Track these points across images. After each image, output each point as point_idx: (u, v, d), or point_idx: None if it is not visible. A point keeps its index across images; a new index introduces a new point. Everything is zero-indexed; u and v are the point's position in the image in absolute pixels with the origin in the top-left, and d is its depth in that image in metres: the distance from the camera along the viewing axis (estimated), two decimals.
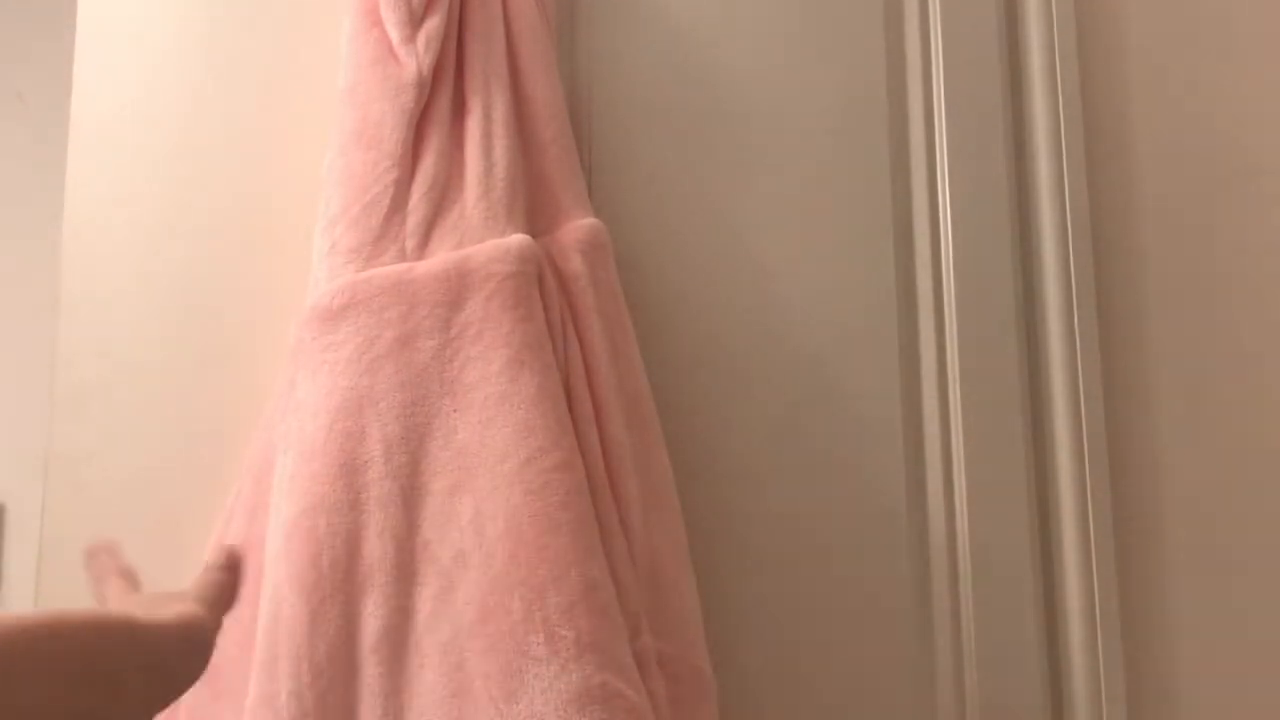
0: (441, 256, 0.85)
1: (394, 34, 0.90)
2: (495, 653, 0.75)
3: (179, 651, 0.49)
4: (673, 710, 0.83)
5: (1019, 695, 0.98)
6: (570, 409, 0.85)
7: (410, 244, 0.86)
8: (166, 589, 0.56)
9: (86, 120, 0.99)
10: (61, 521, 0.92)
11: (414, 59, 0.89)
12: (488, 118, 0.91)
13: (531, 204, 0.92)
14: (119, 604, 0.55)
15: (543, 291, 0.86)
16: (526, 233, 0.88)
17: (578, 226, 0.92)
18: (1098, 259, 1.08)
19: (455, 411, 0.81)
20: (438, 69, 0.91)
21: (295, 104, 1.00)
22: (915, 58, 1.09)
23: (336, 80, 0.92)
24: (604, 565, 0.79)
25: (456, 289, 0.83)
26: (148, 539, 0.92)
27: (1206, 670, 1.04)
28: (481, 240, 0.86)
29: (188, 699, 0.83)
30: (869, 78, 1.08)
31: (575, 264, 0.90)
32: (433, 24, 0.91)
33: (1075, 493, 1.02)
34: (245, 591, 0.82)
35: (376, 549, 0.79)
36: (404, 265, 0.84)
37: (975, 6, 1.10)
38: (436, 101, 0.91)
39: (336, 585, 0.78)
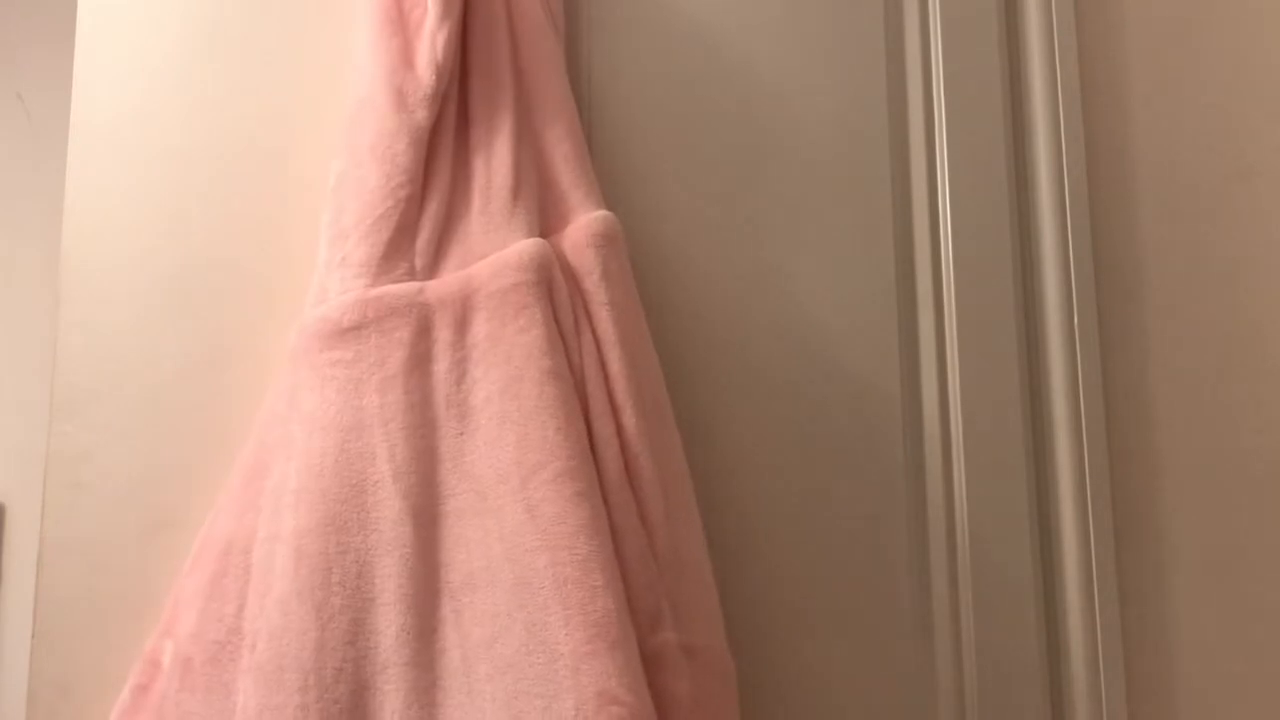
0: (447, 277, 0.86)
1: (433, 53, 0.90)
2: (501, 676, 0.77)
3: None
4: (705, 700, 0.85)
5: (1019, 695, 0.99)
6: (586, 404, 0.86)
7: (420, 262, 0.87)
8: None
9: (86, 120, 0.99)
10: (61, 521, 0.92)
11: (433, 71, 0.89)
12: (491, 127, 0.92)
13: (541, 203, 0.92)
14: None
15: (553, 289, 0.87)
16: (536, 233, 0.89)
17: (590, 220, 0.92)
18: (1098, 259, 1.08)
19: (461, 435, 0.83)
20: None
21: (296, 105, 1.00)
22: (915, 58, 1.09)
23: (338, 81, 0.92)
24: (608, 570, 0.80)
25: (460, 311, 0.85)
26: (147, 539, 0.92)
27: (1206, 671, 1.04)
28: (483, 255, 0.87)
29: (159, 686, 0.84)
30: (869, 78, 1.08)
31: (588, 258, 0.90)
32: (443, 36, 0.91)
33: (1075, 492, 1.03)
34: (226, 589, 0.83)
35: (386, 570, 0.80)
36: (415, 286, 0.85)
37: (975, 6, 1.10)
38: (444, 112, 0.91)
39: (345, 603, 0.79)
